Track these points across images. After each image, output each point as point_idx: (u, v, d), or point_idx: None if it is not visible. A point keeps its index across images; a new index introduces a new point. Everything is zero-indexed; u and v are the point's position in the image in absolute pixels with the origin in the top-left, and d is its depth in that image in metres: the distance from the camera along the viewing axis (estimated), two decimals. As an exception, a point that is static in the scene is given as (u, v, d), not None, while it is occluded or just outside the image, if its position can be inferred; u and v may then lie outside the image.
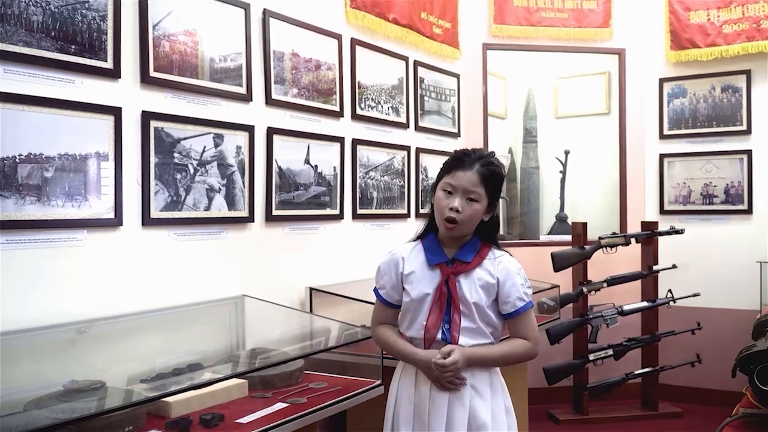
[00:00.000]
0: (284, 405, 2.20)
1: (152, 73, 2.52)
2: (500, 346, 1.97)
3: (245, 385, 2.31)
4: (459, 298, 1.91)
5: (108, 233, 2.39)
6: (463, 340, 1.91)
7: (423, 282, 1.94)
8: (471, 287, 1.92)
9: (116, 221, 2.40)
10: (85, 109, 2.29)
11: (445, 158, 2.01)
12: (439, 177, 1.98)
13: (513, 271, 1.96)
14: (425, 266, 1.96)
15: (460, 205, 1.89)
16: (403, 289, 1.98)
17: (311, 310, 3.12)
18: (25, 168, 2.12)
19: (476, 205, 1.91)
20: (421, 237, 2.04)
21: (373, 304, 2.09)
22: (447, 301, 1.91)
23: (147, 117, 2.51)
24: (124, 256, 2.45)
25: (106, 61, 2.36)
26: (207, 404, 2.14)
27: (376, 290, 2.06)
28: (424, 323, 1.92)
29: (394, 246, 2.06)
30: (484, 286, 1.93)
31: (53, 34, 2.20)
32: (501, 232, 5.29)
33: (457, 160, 1.94)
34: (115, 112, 2.39)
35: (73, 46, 2.26)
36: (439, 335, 1.91)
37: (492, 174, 1.93)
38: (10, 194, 2.09)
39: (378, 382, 2.45)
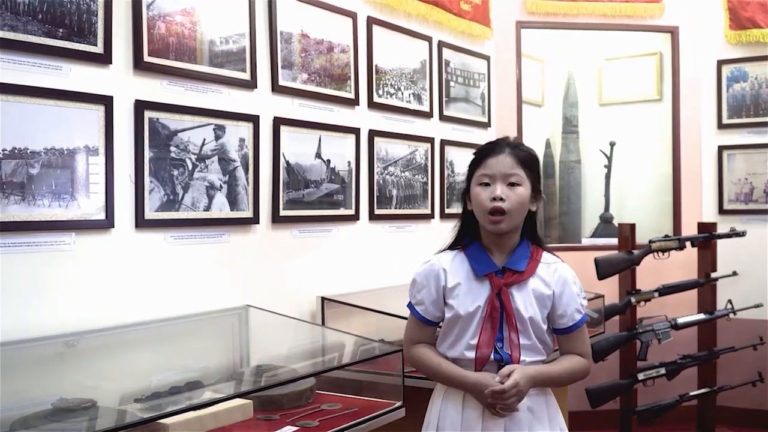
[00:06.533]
0: (293, 428, 2.23)
1: (146, 58, 2.57)
2: (560, 363, 1.99)
3: (250, 406, 2.33)
4: (514, 313, 1.91)
5: (98, 236, 2.43)
6: (521, 358, 1.92)
7: (470, 296, 1.94)
8: (526, 300, 1.92)
9: (107, 222, 2.44)
10: (73, 99, 2.34)
11: (473, 150, 2.04)
12: (470, 175, 1.98)
13: (570, 281, 1.97)
14: (472, 278, 1.95)
15: (503, 192, 1.89)
16: (445, 304, 1.98)
17: (323, 323, 3.13)
18: (9, 164, 2.18)
19: (519, 188, 1.91)
20: (460, 245, 2.03)
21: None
22: (500, 317, 1.91)
23: (140, 107, 2.55)
24: (116, 262, 2.49)
25: (96, 45, 2.41)
26: (207, 426, 2.16)
27: (411, 306, 2.04)
28: (474, 342, 1.91)
29: (430, 255, 2.05)
30: (540, 298, 1.94)
31: (40, 17, 2.26)
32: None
33: (485, 150, 1.96)
34: (106, 101, 2.43)
35: (61, 30, 2.31)
36: (492, 355, 1.90)
37: (527, 154, 1.95)
38: (-7, 193, 2.15)
39: (399, 403, 2.46)
